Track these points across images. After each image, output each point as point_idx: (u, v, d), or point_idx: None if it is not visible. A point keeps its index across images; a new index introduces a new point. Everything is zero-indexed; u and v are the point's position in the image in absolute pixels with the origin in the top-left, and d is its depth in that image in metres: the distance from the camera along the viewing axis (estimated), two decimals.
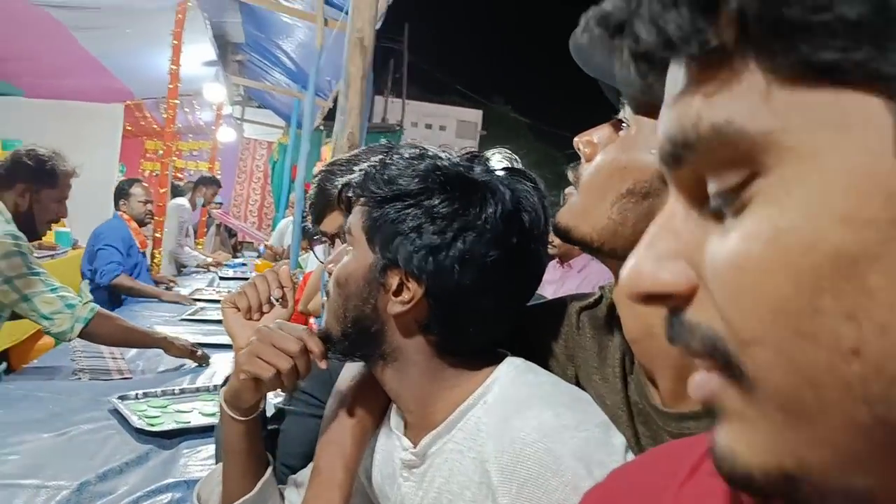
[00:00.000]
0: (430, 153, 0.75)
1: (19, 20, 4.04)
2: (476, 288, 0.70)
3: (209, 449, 1.40)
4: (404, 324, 0.73)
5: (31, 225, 2.01)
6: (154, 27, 4.38)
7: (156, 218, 4.22)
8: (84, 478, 1.20)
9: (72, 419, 1.49)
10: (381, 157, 0.77)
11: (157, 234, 4.37)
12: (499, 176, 0.74)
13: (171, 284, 3.90)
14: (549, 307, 0.82)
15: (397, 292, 0.71)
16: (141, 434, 1.43)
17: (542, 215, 0.75)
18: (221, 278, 4.67)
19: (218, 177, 6.68)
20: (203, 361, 2.06)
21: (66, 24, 4.18)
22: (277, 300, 0.93)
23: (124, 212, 3.77)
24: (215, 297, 3.63)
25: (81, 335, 1.88)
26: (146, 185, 4.03)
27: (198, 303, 3.33)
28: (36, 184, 2.02)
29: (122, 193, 3.84)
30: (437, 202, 0.70)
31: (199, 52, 5.51)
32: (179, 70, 4.47)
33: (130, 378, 1.91)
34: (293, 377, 0.84)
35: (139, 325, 2.14)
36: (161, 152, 5.64)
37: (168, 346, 2.01)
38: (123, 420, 1.49)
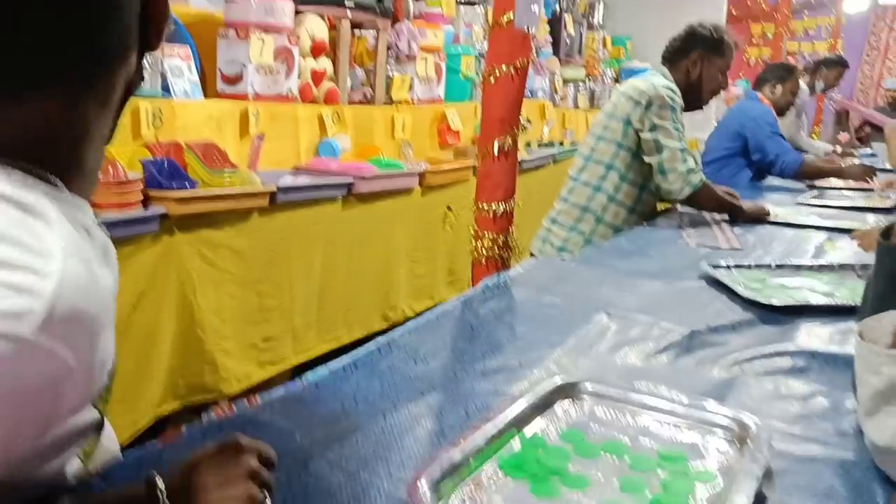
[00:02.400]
0: None
1: None
2: None
3: (834, 325, 1.26)
4: None
5: (697, 93, 2.34)
6: None
7: None
8: (695, 327, 1.22)
9: (680, 274, 1.56)
10: None
11: None
12: None
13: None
14: None
15: None
16: (748, 303, 1.37)
17: None
18: None
19: (844, 58, 6.02)
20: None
21: None
22: None
23: (766, 96, 3.69)
24: (839, 185, 3.34)
25: (684, 200, 2.17)
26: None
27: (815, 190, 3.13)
28: (708, 52, 2.32)
29: (779, 77, 3.73)
30: None
31: None
32: None
33: (741, 250, 1.88)
34: None
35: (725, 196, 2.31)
36: (771, 35, 5.38)
37: (739, 210, 2.27)
38: (721, 285, 1.47)
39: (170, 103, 2.27)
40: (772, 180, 3.55)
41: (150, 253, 1.88)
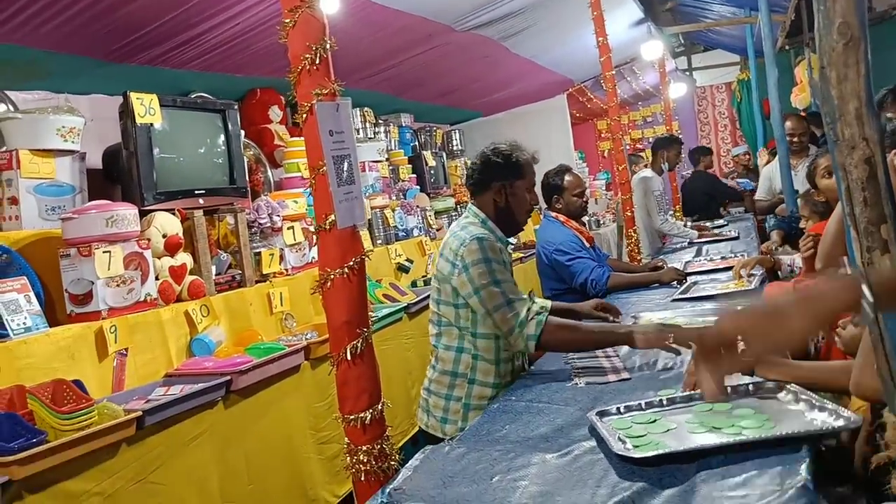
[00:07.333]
0: None
1: (459, 50, 4.58)
2: None
3: (738, 476, 1.13)
4: None
5: (511, 219, 2.22)
6: (571, 9, 4.44)
7: (622, 196, 4.22)
8: None
9: (570, 434, 1.43)
10: None
11: (628, 213, 4.36)
12: None
13: (660, 265, 3.48)
14: None
15: None
16: (626, 462, 1.23)
17: None
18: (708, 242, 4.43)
19: (678, 136, 6.47)
20: (677, 349, 1.78)
21: (495, 38, 4.58)
22: None
23: (559, 210, 3.41)
24: (707, 268, 3.41)
25: (538, 348, 1.95)
26: (575, 172, 3.54)
27: (689, 278, 3.16)
28: (508, 178, 2.21)
29: (554, 189, 3.43)
30: None
31: (624, 17, 5.40)
32: (608, 40, 4.43)
33: (629, 379, 1.80)
34: None
35: (596, 325, 2.12)
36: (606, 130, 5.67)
37: (632, 341, 1.86)
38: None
39: (5, 346, 2.02)
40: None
41: None
